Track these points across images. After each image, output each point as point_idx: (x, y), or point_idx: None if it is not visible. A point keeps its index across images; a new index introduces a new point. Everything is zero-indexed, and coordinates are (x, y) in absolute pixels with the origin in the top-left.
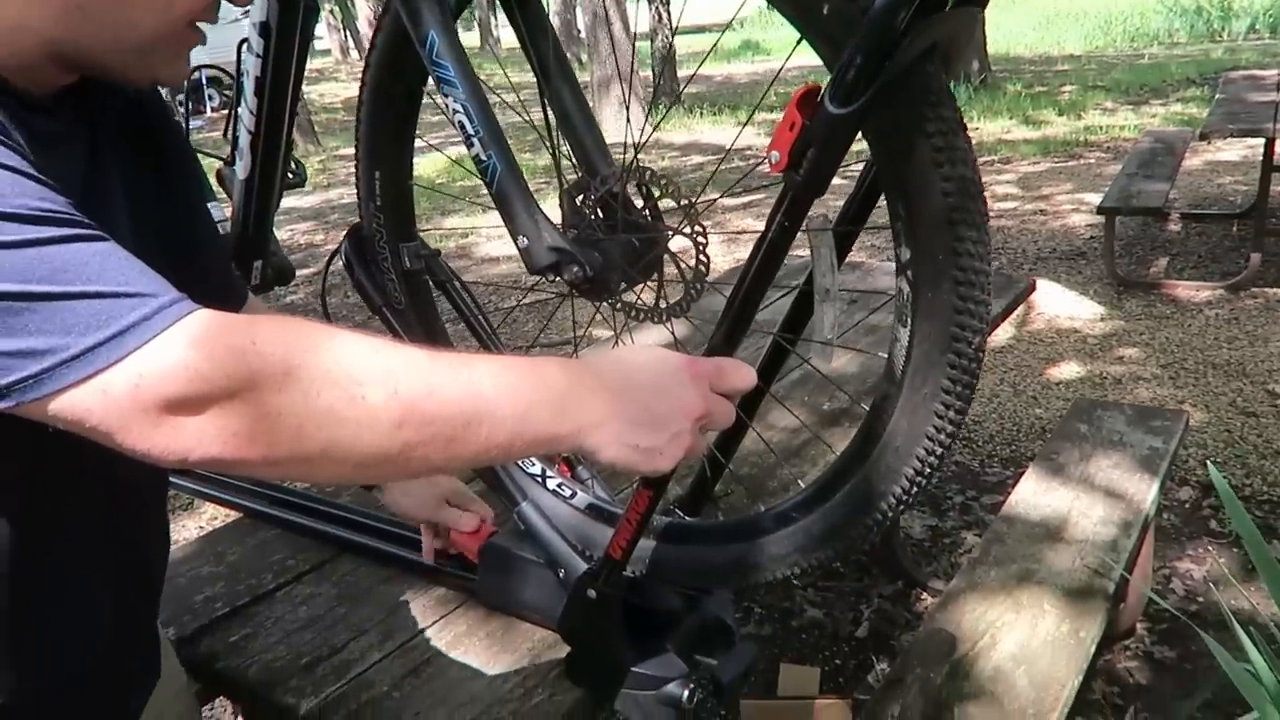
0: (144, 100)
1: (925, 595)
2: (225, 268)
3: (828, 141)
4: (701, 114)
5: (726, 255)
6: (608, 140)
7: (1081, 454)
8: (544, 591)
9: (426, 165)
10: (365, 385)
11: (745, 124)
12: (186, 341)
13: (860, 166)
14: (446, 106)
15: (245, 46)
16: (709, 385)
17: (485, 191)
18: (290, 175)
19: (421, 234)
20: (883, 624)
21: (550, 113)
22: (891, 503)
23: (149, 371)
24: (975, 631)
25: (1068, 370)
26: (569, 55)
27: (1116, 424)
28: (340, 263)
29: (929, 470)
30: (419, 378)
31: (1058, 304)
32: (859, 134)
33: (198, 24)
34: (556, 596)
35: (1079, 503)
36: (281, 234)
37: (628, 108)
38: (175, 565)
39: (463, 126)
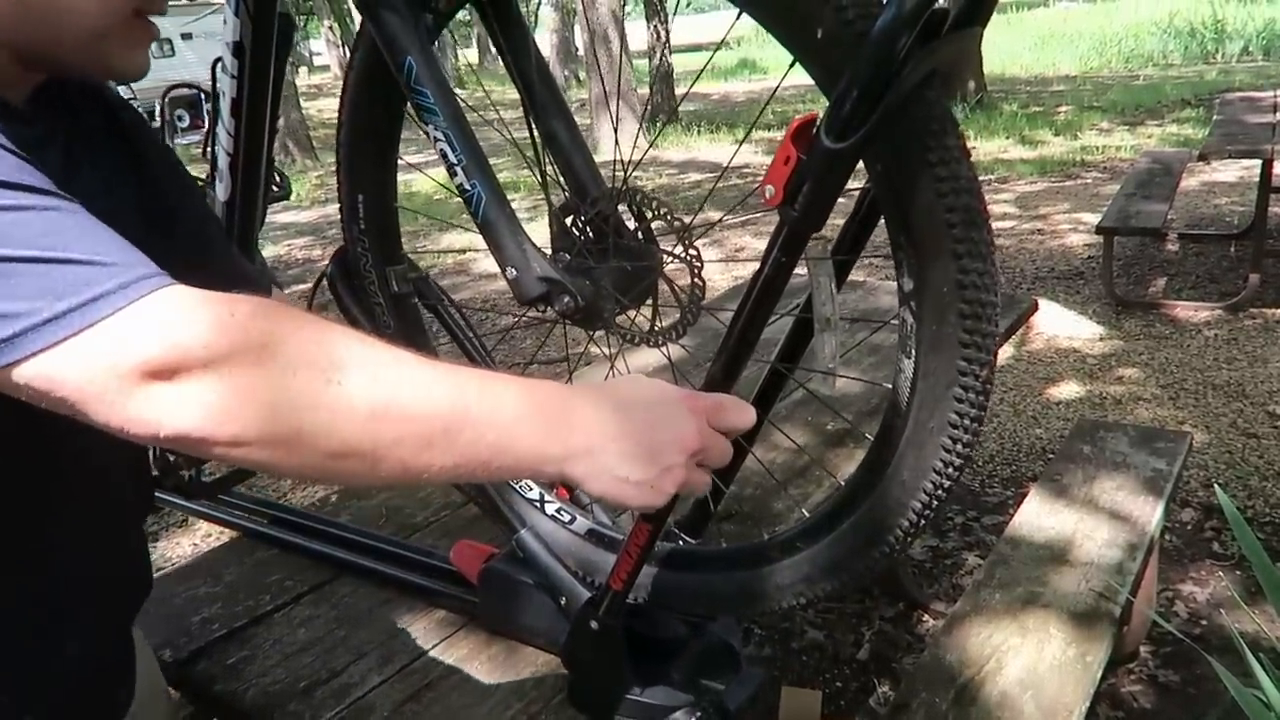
0: (117, 108)
1: (927, 617)
2: (235, 267)
3: (824, 176)
4: (699, 132)
5: (723, 274)
6: (606, 155)
7: (1085, 475)
8: (546, 615)
9: (424, 182)
10: (343, 370)
11: (741, 143)
12: (164, 309)
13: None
14: (428, 134)
15: (220, 67)
16: (706, 421)
17: None
18: (275, 189)
19: (417, 252)
20: (884, 646)
21: (537, 133)
22: (899, 535)
23: (124, 337)
24: (981, 656)
25: (1067, 390)
26: (568, 73)
27: (1120, 445)
28: (327, 286)
29: (936, 503)
30: (402, 372)
31: (1057, 324)
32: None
33: (149, 16)
34: (559, 620)
35: (1083, 525)
36: (278, 249)
37: (614, 129)
38: (171, 584)
39: (445, 155)
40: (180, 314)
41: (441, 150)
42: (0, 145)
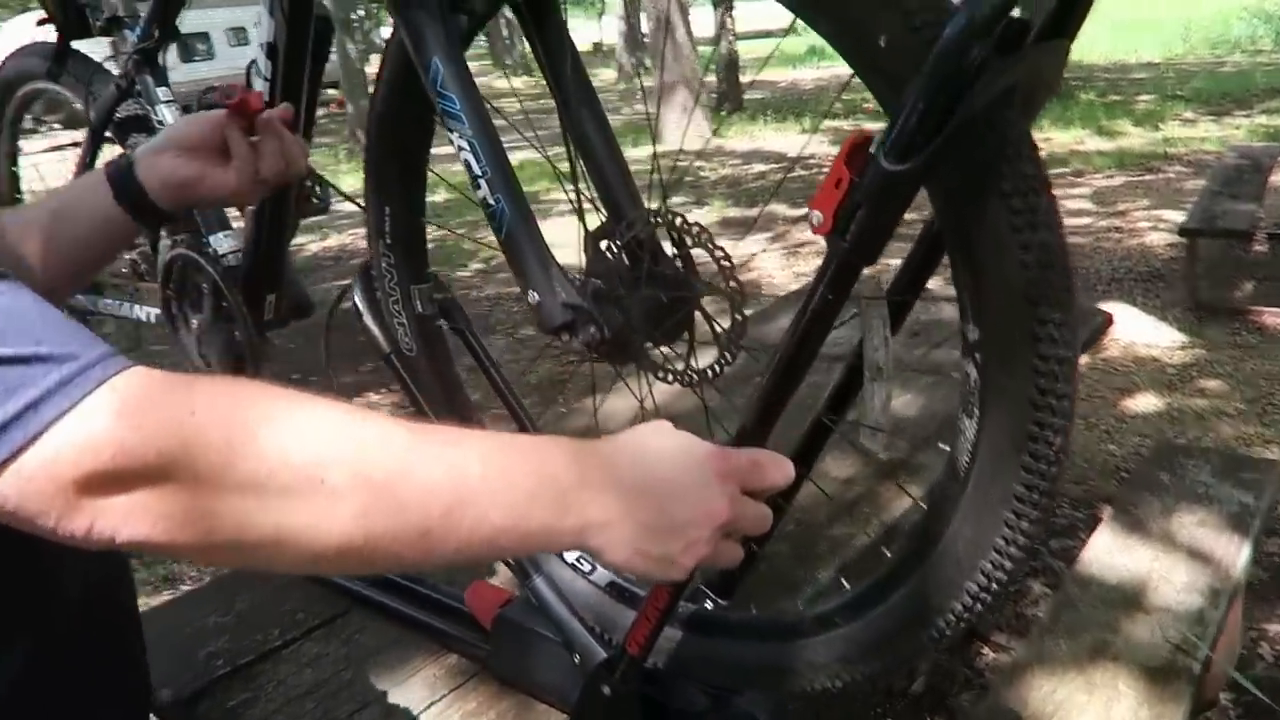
0: None
1: (986, 649)
2: None
3: (881, 202)
4: (765, 121)
5: (785, 269)
6: (670, 145)
7: (1163, 507)
8: (559, 671)
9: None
10: (325, 465)
11: (812, 133)
12: (111, 409)
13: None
14: (452, 142)
15: (253, 69)
16: (739, 484)
17: None
18: (314, 200)
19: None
20: (940, 679)
21: (571, 147)
22: (950, 620)
23: (67, 446)
24: (1042, 712)
25: (1144, 403)
26: (634, 61)
27: (1201, 474)
28: (347, 305)
29: (996, 586)
30: (391, 458)
31: (1134, 330)
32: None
33: None
34: (573, 677)
35: (1159, 564)
36: (343, 238)
37: (688, 117)
38: (182, 612)
39: (469, 166)
40: (130, 414)
41: (465, 161)
42: None
